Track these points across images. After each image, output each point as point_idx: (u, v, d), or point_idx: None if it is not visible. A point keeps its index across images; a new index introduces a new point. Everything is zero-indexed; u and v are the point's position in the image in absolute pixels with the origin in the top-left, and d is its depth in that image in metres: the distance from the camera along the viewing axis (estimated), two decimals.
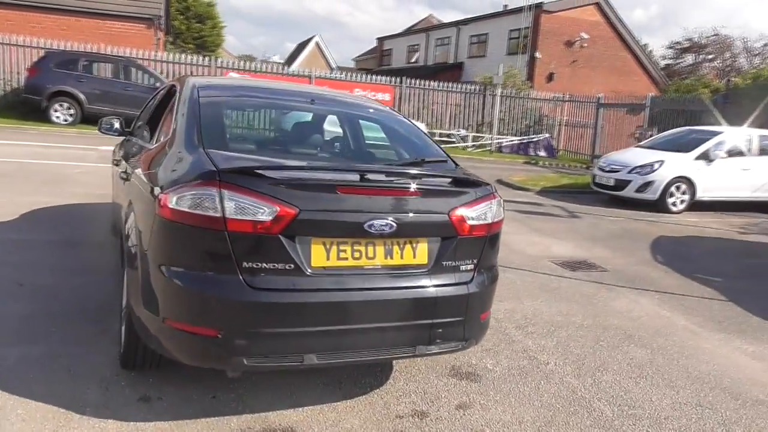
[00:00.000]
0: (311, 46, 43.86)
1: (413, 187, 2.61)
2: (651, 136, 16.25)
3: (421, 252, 2.65)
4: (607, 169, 10.99)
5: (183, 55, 18.28)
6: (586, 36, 27.42)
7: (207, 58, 18.52)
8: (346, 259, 2.51)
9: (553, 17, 27.26)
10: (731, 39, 33.81)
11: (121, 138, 5.08)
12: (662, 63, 34.52)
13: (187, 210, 2.35)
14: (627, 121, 20.41)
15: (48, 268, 4.55)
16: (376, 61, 43.02)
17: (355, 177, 2.52)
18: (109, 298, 4.02)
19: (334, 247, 2.48)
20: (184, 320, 2.43)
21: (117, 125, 4.70)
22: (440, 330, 2.73)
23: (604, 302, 5.11)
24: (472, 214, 2.75)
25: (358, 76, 19.99)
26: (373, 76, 20.11)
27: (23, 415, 2.62)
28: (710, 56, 35.21)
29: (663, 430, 3.01)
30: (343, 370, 3.27)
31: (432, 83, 20.38)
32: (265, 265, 2.39)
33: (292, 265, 2.42)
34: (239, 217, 2.33)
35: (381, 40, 43.33)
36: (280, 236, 2.38)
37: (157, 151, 2.98)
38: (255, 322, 2.39)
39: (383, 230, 2.51)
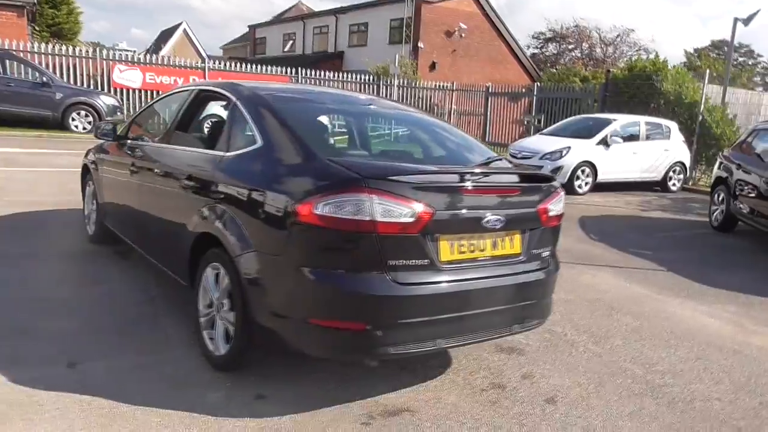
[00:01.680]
0: (179, 33, 41.98)
1: (517, 185, 2.97)
2: (539, 122, 17.70)
3: (516, 242, 3.02)
4: (519, 156, 11.90)
5: (64, 47, 16.91)
6: (464, 26, 28.85)
7: (89, 50, 17.28)
8: (464, 252, 2.82)
9: (433, 7, 28.40)
10: (589, 30, 37.11)
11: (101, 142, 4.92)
12: (528, 52, 37.12)
13: (336, 215, 2.54)
14: (509, 109, 21.96)
15: (54, 282, 4.36)
16: (249, 50, 42.08)
17: (477, 179, 2.83)
18: (141, 307, 4.01)
19: (456, 242, 2.78)
20: (330, 317, 2.62)
21: (111, 129, 4.60)
22: (529, 310, 3.12)
23: (573, 278, 5.76)
24: (551, 206, 3.16)
25: (252, 67, 19.63)
26: (268, 67, 19.85)
27: (161, 422, 2.66)
28: (571, 46, 38.41)
29: (684, 381, 3.62)
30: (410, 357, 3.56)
31: (327, 74, 20.55)
32: (406, 262, 2.63)
33: (427, 261, 2.68)
34: (387, 220, 2.55)
35: (253, 28, 42.44)
36: (418, 235, 2.64)
37: (250, 163, 3.06)
38: (399, 314, 2.64)
39: (495, 225, 2.85)
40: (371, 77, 21.69)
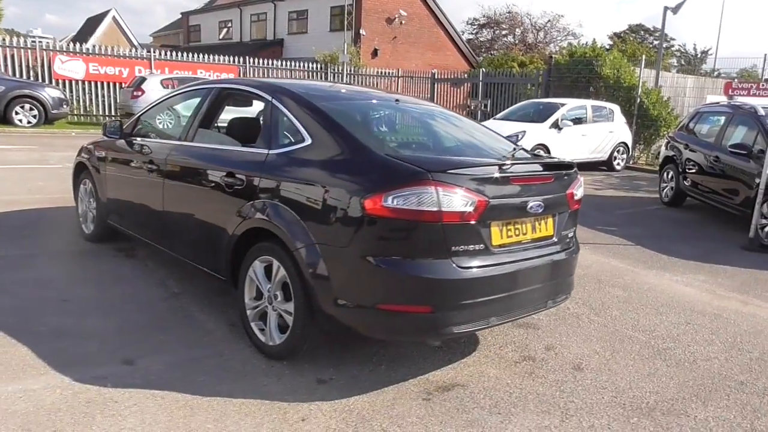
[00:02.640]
0: (107, 21, 40.10)
1: (551, 173, 3.25)
2: (485, 106, 18.23)
3: (550, 225, 3.30)
4: None
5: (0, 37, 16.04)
6: (404, 13, 29.12)
7: (26, 41, 16.44)
8: (511, 236, 3.07)
9: None
10: (521, 16, 38.17)
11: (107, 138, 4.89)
12: (464, 38, 37.81)
13: (405, 207, 2.73)
14: (453, 94, 22.47)
15: (70, 282, 4.34)
16: (183, 38, 40.86)
17: (520, 169, 3.09)
18: (168, 303, 4.07)
19: (504, 228, 3.03)
20: (398, 302, 2.82)
21: (119, 127, 4.60)
22: (560, 286, 3.42)
23: None
24: (576, 191, 3.46)
25: (199, 56, 19.21)
26: (214, 57, 19.47)
27: (241, 411, 2.79)
28: (504, 32, 39.38)
29: (683, 344, 4.02)
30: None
31: (275, 62, 20.43)
32: (465, 247, 2.86)
33: (483, 246, 2.92)
34: (451, 210, 2.77)
35: (186, 15, 41.20)
36: (476, 222, 2.87)
37: (301, 160, 3.18)
38: (461, 296, 2.87)
39: (537, 210, 3.12)
40: (318, 65, 21.62)
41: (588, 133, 12.85)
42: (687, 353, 3.86)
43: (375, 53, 28.35)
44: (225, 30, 36.80)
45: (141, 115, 4.73)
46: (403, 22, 29.12)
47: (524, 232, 3.14)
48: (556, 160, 3.57)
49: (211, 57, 19.29)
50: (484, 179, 2.92)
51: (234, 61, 19.83)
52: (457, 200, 2.79)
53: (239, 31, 35.47)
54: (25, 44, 15.97)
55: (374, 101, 3.92)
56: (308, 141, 3.22)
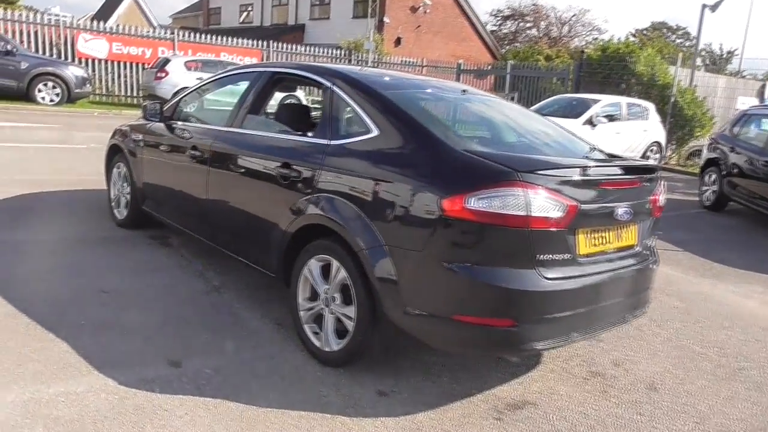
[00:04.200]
0: (127, 1, 39.87)
1: (639, 177, 2.97)
2: (513, 99, 17.86)
3: (633, 234, 3.03)
4: None
5: (24, 13, 15.82)
6: (429, 2, 28.65)
7: (50, 18, 16.22)
8: (597, 245, 2.81)
9: None
10: (546, 9, 37.58)
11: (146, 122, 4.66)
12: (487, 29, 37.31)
13: (489, 210, 2.47)
14: (476, 86, 22.07)
15: (105, 270, 4.12)
16: (203, 20, 40.56)
17: (613, 172, 2.82)
18: (210, 298, 3.85)
19: (591, 236, 2.77)
20: (477, 314, 2.56)
21: (159, 110, 4.38)
22: (640, 299, 3.15)
23: None
24: (660, 197, 3.18)
25: (222, 39, 18.95)
26: (238, 40, 19.20)
27: (300, 425, 2.56)
28: (529, 25, 38.81)
29: (757, 364, 3.74)
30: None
31: (299, 47, 20.15)
32: (552, 256, 2.60)
33: (569, 255, 2.66)
34: (540, 215, 2.51)
35: None
36: (565, 229, 2.61)
37: (366, 153, 2.93)
38: (546, 310, 2.61)
39: (624, 217, 2.85)
40: (342, 52, 21.31)
41: (622, 131, 12.49)
42: (764, 375, 3.59)
43: (398, 42, 27.96)
44: (245, 13, 36.47)
45: (182, 98, 4.49)
46: (428, 11, 28.67)
47: (609, 241, 2.88)
48: (641, 162, 3.28)
49: (234, 40, 19.01)
50: (574, 182, 2.65)
51: (256, 45, 19.54)
52: (546, 204, 2.53)
53: (260, 15, 35.12)
54: (49, 21, 15.75)
55: (440, 91, 3.65)
56: (374, 132, 2.96)
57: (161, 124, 4.44)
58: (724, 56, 46.06)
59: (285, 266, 3.32)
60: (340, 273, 2.95)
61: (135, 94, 17.20)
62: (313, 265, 3.11)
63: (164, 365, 2.93)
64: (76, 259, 4.28)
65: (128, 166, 4.88)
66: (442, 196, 2.55)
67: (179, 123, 4.31)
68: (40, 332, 3.12)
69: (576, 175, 2.67)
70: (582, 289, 2.72)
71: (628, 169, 3.02)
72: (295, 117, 3.61)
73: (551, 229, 2.56)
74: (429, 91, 3.55)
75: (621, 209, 2.83)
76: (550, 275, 2.60)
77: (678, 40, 49.20)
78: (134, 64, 17.14)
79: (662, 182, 3.29)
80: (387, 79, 3.49)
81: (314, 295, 3.16)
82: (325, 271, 3.08)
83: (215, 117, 4.23)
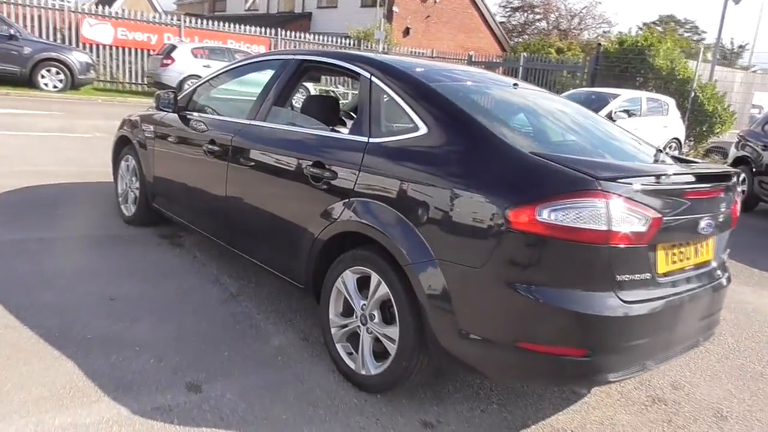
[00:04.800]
0: None
1: (721, 185, 2.63)
2: None
3: (710, 248, 2.69)
4: None
5: None
6: None
7: (53, 2, 15.77)
8: (675, 262, 2.47)
9: None
10: (556, 1, 37.00)
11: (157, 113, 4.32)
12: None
13: (564, 224, 2.13)
14: None
15: (114, 274, 3.79)
16: (208, 7, 40.00)
17: (695, 179, 2.48)
18: (228, 307, 3.52)
19: (670, 252, 2.43)
20: (545, 341, 2.23)
21: (173, 100, 4.03)
22: (713, 319, 2.82)
23: None
24: (738, 206, 2.84)
25: (229, 26, 18.52)
26: (245, 27, 18.77)
27: None
28: (538, 16, 38.25)
29: None
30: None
31: (307, 36, 19.73)
32: (631, 276, 2.27)
33: (649, 274, 2.33)
34: (622, 229, 2.17)
35: None
36: (647, 245, 2.27)
37: (414, 153, 2.59)
38: (626, 337, 2.28)
39: (707, 230, 2.51)
40: (351, 41, 20.88)
41: (641, 127, 12.07)
42: None
43: (407, 32, 27.48)
44: (251, 1, 35.94)
45: (197, 87, 4.14)
46: (437, 1, 28.16)
47: (688, 257, 2.54)
48: (720, 167, 2.93)
49: (242, 27, 18.59)
50: (657, 191, 2.31)
51: (264, 33, 19.12)
52: (629, 217, 2.19)
53: (266, 2, 34.59)
54: (53, 5, 15.33)
55: (490, 84, 3.29)
56: (423, 130, 2.62)
57: (175, 115, 4.10)
58: (735, 50, 45.47)
59: (314, 277, 2.99)
60: (380, 288, 2.62)
61: (140, 81, 16.82)
62: (348, 278, 2.78)
63: (182, 390, 2.60)
64: (82, 261, 3.95)
65: (138, 160, 4.54)
66: (507, 206, 2.21)
67: (195, 114, 3.97)
68: (44, 348, 2.79)
69: (660, 184, 2.33)
70: (661, 312, 2.38)
71: (709, 176, 2.67)
72: (326, 110, 3.27)
73: (632, 246, 2.23)
74: (478, 84, 3.19)
75: (704, 221, 2.49)
76: (629, 298, 2.26)
77: (686, 34, 48.55)
78: (139, 51, 16.74)
79: (739, 189, 2.95)
80: (430, 69, 3.13)
81: (348, 311, 2.83)
82: (362, 284, 2.75)
83: (235, 109, 3.88)
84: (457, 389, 2.89)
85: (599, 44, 16.52)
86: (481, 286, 2.30)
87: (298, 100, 3.73)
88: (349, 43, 20.79)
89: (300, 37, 19.54)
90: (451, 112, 2.61)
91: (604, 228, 2.13)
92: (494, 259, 2.24)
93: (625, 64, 15.14)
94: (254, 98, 3.59)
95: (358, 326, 2.76)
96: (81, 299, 3.36)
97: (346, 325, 2.83)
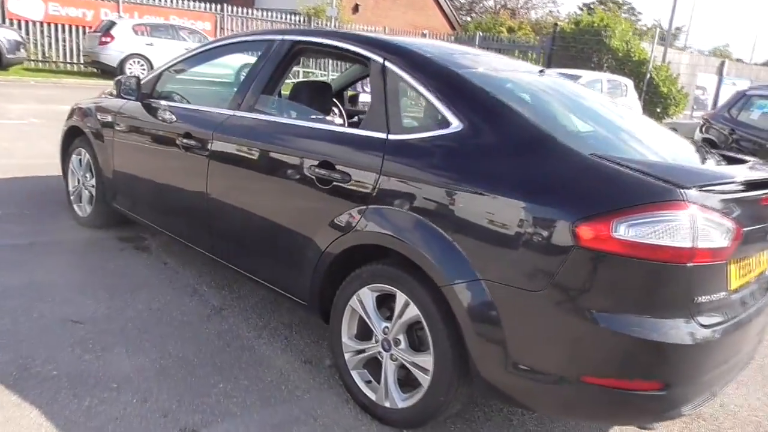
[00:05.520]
0: None
1: None
2: None
3: (766, 257, 2.43)
4: None
5: None
6: None
7: None
8: (744, 275, 2.20)
9: None
10: None
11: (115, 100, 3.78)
12: None
13: (642, 240, 1.81)
14: None
15: (76, 290, 3.28)
16: None
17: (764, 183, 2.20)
18: (214, 325, 3.08)
19: (739, 265, 2.15)
20: (615, 375, 1.93)
21: (136, 86, 3.52)
22: (763, 334, 2.58)
23: None
24: None
25: (171, 1, 17.43)
26: (190, 2, 17.75)
27: None
28: None
29: None
30: None
31: (254, 12, 18.85)
32: (708, 297, 1.97)
33: (724, 293, 2.04)
34: (707, 245, 1.87)
35: None
36: (725, 261, 1.99)
37: (448, 153, 2.22)
38: (704, 366, 2.00)
39: None
40: (301, 18, 20.12)
41: None
42: None
43: (356, 9, 26.75)
44: None
45: (163, 71, 3.61)
46: None
47: (752, 269, 2.27)
48: None
49: (184, 2, 17.57)
50: (738, 200, 2.02)
51: (209, 9, 18.14)
52: (713, 231, 1.89)
53: None
54: None
55: (517, 71, 2.93)
56: (456, 126, 2.24)
57: (138, 104, 3.57)
58: (673, 32, 46.69)
59: (322, 293, 2.59)
60: (409, 310, 2.25)
61: (76, 60, 15.67)
62: (366, 296, 2.40)
63: None
64: (33, 274, 3.41)
65: (93, 154, 3.99)
66: (575, 219, 1.87)
67: (163, 103, 3.46)
68: (0, 393, 2.30)
69: (740, 191, 2.04)
70: (734, 333, 2.11)
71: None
72: (321, 99, 2.84)
73: (714, 263, 1.93)
74: (505, 71, 2.82)
75: None
76: (706, 322, 1.97)
77: (623, 15, 49.54)
78: (74, 27, 15.55)
79: None
80: (446, 52, 2.74)
81: (365, 333, 2.46)
82: (382, 302, 2.39)
83: (213, 97, 3.42)
84: (486, 414, 2.57)
85: (556, 24, 16.44)
86: (539, 312, 1.96)
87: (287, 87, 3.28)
88: (299, 20, 20.03)
89: (247, 14, 18.66)
90: (491, 105, 2.25)
91: (689, 245, 1.83)
92: (557, 281, 1.91)
93: (581, 45, 15.11)
94: (234, 85, 3.13)
95: (380, 352, 2.39)
96: (38, 324, 2.85)
97: (363, 350, 2.45)
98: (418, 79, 2.42)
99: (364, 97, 4.65)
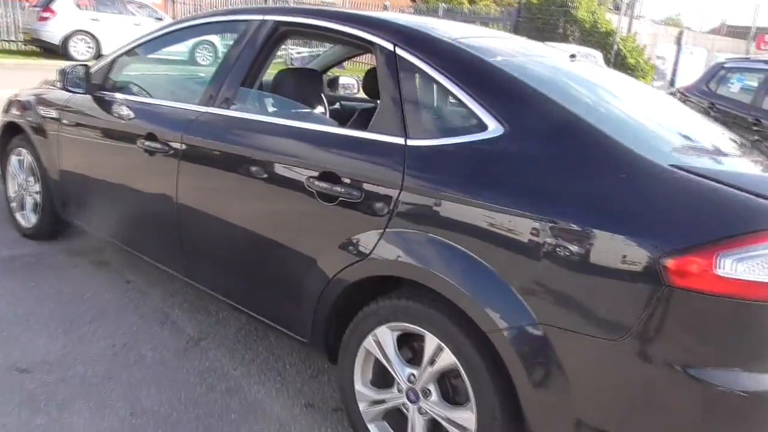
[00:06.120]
0: None
1: None
2: None
3: None
4: None
5: None
6: None
7: None
8: None
9: None
10: None
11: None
12: None
13: (752, 278, 1.44)
14: None
15: (21, 323, 2.76)
16: None
17: None
18: (191, 361, 2.62)
19: None
20: None
21: (85, 77, 2.99)
22: None
23: None
24: None
25: None
26: None
27: None
28: None
29: None
30: None
31: None
32: None
33: None
34: None
35: None
36: None
37: (487, 163, 1.79)
38: None
39: None
40: None
41: None
42: None
43: None
44: None
45: (116, 59, 3.05)
46: None
47: None
48: None
49: None
50: None
51: None
52: None
53: None
54: None
55: (548, 58, 2.49)
56: (495, 129, 1.81)
57: (88, 97, 3.02)
58: (627, 1, 47.01)
59: (327, 329, 2.16)
60: (443, 356, 1.85)
61: (13, 37, 14.49)
62: (385, 337, 1.98)
63: None
64: None
65: (36, 154, 3.41)
66: (664, 252, 1.47)
67: (118, 96, 2.92)
68: None
69: None
70: None
71: None
72: (316, 92, 2.37)
73: None
74: (536, 58, 2.37)
75: None
76: None
77: None
78: (10, 1, 14.37)
79: None
80: (466, 36, 2.28)
81: (384, 380, 2.04)
82: (402, 340, 1.98)
83: (181, 89, 2.90)
84: None
85: None
86: (616, 365, 1.58)
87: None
88: None
89: None
90: (539, 104, 1.82)
91: None
92: (641, 328, 1.52)
93: (547, 17, 14.78)
94: (204, 75, 2.62)
95: (404, 404, 1.98)
96: None
97: (381, 401, 2.04)
98: (441, 70, 1.97)
99: (345, 80, 4.18)
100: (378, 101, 2.86)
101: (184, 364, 2.56)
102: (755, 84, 7.62)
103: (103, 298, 3.04)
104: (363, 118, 2.66)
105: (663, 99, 2.60)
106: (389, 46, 2.10)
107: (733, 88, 7.98)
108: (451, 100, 1.96)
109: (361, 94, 3.92)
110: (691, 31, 30.62)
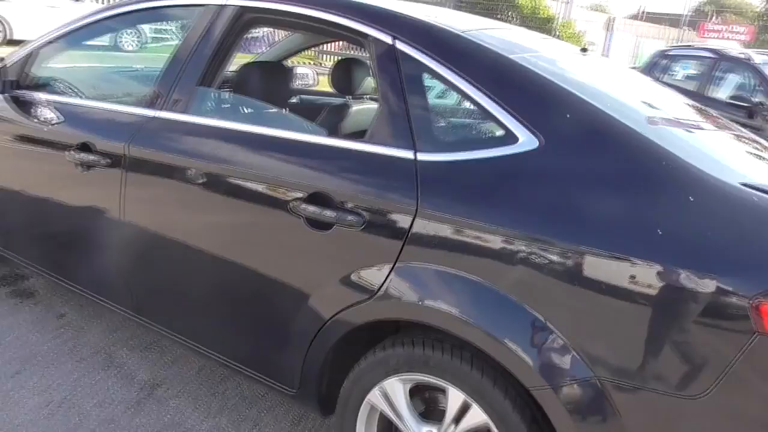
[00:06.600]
0: None
1: None
2: None
3: None
4: None
5: None
6: None
7: None
8: None
9: None
10: None
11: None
12: None
13: None
14: None
15: None
16: None
17: None
18: (150, 416, 2.19)
19: None
20: None
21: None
22: None
23: None
24: None
25: None
26: None
27: None
28: None
29: None
30: None
31: None
32: None
33: None
34: None
35: None
36: None
37: (515, 182, 1.48)
38: None
39: None
40: None
41: None
42: None
43: None
44: None
45: (37, 50, 2.54)
46: None
47: None
48: None
49: None
50: None
51: None
52: None
53: None
54: None
55: (563, 53, 2.18)
56: (528, 142, 1.48)
57: (5, 97, 2.50)
58: None
59: (320, 379, 1.81)
60: (471, 414, 1.53)
61: None
62: (394, 388, 1.65)
63: None
64: None
65: None
66: (751, 293, 1.21)
67: (41, 96, 2.43)
68: None
69: None
70: None
71: None
72: (284, 89, 2.01)
73: None
74: (552, 54, 2.05)
75: None
76: None
77: None
78: None
79: None
80: (476, 29, 1.94)
81: None
82: (415, 392, 1.66)
83: (121, 88, 2.42)
84: None
85: None
86: (696, 426, 1.31)
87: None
88: None
89: None
90: (578, 111, 1.51)
91: None
92: (727, 382, 1.25)
93: (487, 1, 14.68)
94: (142, 66, 2.19)
95: None
96: None
97: None
98: (456, 70, 1.62)
99: (301, 70, 3.77)
100: (349, 97, 2.56)
101: (139, 421, 2.13)
102: (697, 71, 7.70)
103: (29, 342, 2.54)
104: (333, 117, 2.32)
105: (689, 102, 2.34)
106: (388, 40, 1.74)
107: (678, 75, 8.04)
108: (469, 105, 1.63)
109: (321, 87, 3.55)
110: (621, 18, 31.57)
